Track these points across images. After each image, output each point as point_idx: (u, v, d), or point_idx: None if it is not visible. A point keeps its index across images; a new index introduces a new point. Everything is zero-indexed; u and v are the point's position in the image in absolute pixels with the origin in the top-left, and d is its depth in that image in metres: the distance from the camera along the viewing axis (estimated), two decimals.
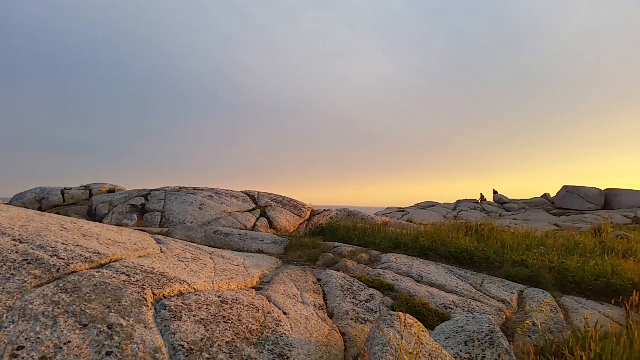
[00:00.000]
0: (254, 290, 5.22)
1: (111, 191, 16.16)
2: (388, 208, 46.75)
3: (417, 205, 48.17)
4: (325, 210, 15.93)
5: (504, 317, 5.88)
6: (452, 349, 4.06)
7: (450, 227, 9.94)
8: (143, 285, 4.29)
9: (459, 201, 47.72)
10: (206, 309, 4.16)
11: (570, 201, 40.72)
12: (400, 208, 46.03)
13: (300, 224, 13.63)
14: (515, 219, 34.91)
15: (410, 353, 3.05)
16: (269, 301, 4.97)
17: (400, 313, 3.60)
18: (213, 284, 4.90)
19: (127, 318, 3.65)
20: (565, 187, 42.62)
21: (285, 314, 4.76)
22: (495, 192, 47.39)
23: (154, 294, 4.22)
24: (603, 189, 41.36)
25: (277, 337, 4.15)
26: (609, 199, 40.23)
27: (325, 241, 9.13)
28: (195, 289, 4.59)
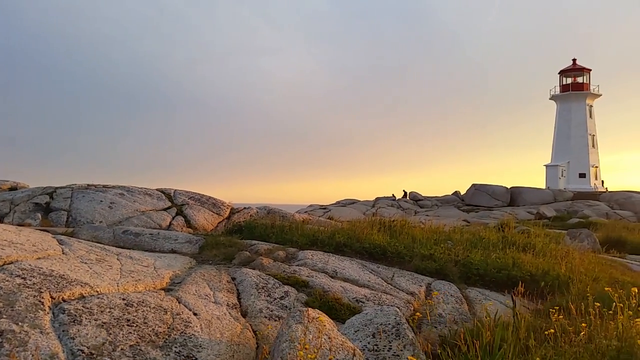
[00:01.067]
0: (163, 291, 5.06)
1: (13, 189, 15.00)
2: (310, 205, 47.17)
3: (338, 202, 49.01)
4: (245, 208, 15.77)
5: (412, 308, 6.15)
6: (361, 341, 4.18)
7: (365, 224, 10.23)
8: (40, 288, 4.04)
9: (377, 198, 49.15)
10: (109, 312, 3.98)
11: (478, 198, 43.31)
12: (322, 205, 46.60)
13: (219, 223, 13.41)
14: (428, 215, 36.56)
15: (318, 348, 3.10)
16: (179, 302, 4.85)
17: (310, 309, 3.65)
18: (118, 286, 4.70)
19: (20, 324, 3.42)
20: (474, 185, 45.23)
21: (195, 314, 4.67)
22: (405, 193, 49.16)
23: (52, 297, 3.98)
24: (509, 187, 44.38)
25: (185, 339, 4.06)
26: (514, 196, 43.24)
27: (242, 239, 9.05)
28: (98, 291, 4.38)
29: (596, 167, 48.68)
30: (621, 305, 3.32)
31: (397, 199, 48.55)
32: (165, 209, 12.99)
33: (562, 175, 47.24)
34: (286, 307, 5.45)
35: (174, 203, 13.73)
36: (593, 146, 48.33)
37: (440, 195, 50.09)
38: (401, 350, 4.00)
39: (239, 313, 5.16)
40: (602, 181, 49.50)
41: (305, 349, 3.20)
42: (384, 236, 9.40)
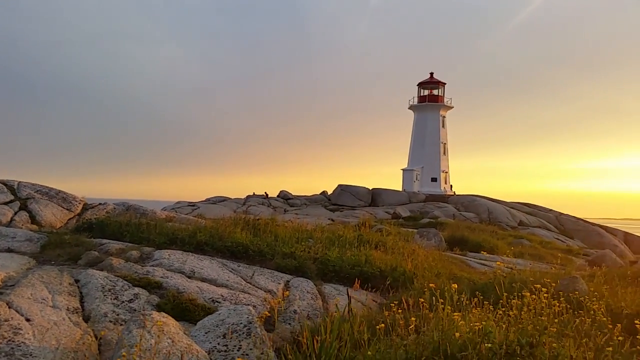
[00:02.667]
0: None
1: None
2: (178, 202, 45.40)
3: (208, 199, 47.84)
4: (100, 204, 14.67)
5: (269, 306, 6.23)
6: (211, 342, 4.13)
7: (229, 222, 10.13)
8: None
9: (248, 196, 48.90)
10: None
11: (343, 198, 45.30)
12: (191, 202, 45.12)
13: (70, 219, 12.32)
14: (297, 214, 37.34)
15: (158, 353, 3.00)
16: (9, 307, 4.37)
17: (154, 312, 3.52)
18: None
19: None
20: (340, 186, 47.20)
21: (28, 320, 4.25)
22: (266, 194, 49.56)
23: None
24: (371, 188, 47.06)
25: (12, 348, 3.68)
26: (375, 197, 45.94)
27: (92, 238, 8.42)
28: None
29: (446, 172, 53.70)
30: (442, 300, 3.72)
31: (268, 197, 48.81)
32: (5, 203, 11.60)
33: (416, 179, 51.36)
34: (135, 310, 5.19)
35: (17, 196, 12.31)
36: (444, 153, 53.25)
37: (309, 194, 51.36)
38: (250, 349, 4.03)
39: (81, 318, 4.80)
40: (451, 185, 54.73)
41: (159, 353, 3.07)
42: (247, 234, 9.40)
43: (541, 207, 43.73)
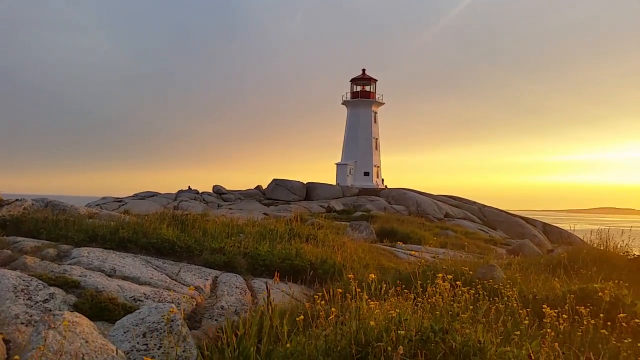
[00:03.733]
0: None
1: None
2: (103, 198, 43.49)
3: (136, 195, 46.14)
4: (17, 200, 13.76)
5: (195, 303, 6.12)
6: (130, 342, 4.00)
7: (154, 217, 9.83)
8: None
9: (180, 191, 47.66)
10: None
11: (278, 192, 45.25)
12: (117, 198, 43.37)
13: None
14: (231, 209, 36.87)
15: (69, 354, 2.86)
16: None
17: (66, 312, 3.35)
18: None
19: None
20: (274, 180, 47.11)
21: None
22: (189, 188, 48.61)
23: None
24: (305, 183, 47.31)
25: None
26: (309, 191, 46.24)
27: (6, 236, 7.88)
28: None
29: (378, 166, 54.97)
30: (359, 290, 3.82)
31: (200, 192, 47.79)
32: None
33: (350, 173, 52.21)
34: (50, 310, 4.91)
35: None
36: (376, 148, 54.47)
37: (244, 189, 50.80)
38: (172, 347, 3.94)
39: None
40: (382, 179, 56.13)
41: (71, 355, 2.93)
42: (174, 230, 9.15)
43: (466, 199, 45.81)
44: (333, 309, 3.48)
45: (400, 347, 2.64)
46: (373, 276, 4.14)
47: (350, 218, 28.93)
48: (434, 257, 10.42)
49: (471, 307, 3.94)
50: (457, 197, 46.51)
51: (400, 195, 43.61)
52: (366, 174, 53.07)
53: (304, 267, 8.38)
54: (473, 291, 4.48)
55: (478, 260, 8.96)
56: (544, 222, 41.94)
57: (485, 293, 4.90)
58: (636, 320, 3.89)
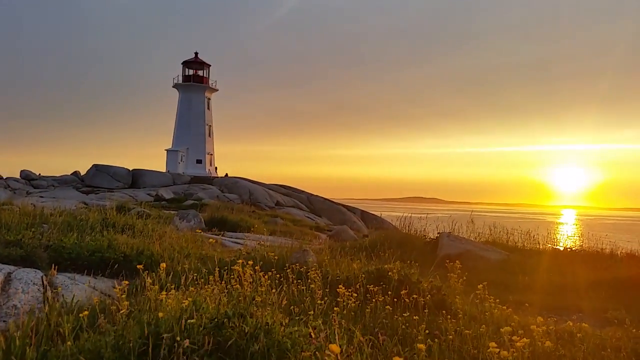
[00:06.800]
0: None
1: None
2: None
3: None
4: None
5: None
6: None
7: None
8: None
9: None
10: None
11: (99, 179, 41.80)
12: None
13: None
14: (43, 197, 33.03)
15: None
16: None
17: None
18: None
19: None
20: (95, 166, 43.43)
21: None
22: None
23: None
24: (131, 169, 44.45)
25: None
26: (136, 178, 43.58)
27: None
28: None
29: (211, 154, 54.11)
30: (170, 282, 3.75)
31: (5, 178, 41.80)
32: None
33: (181, 160, 50.50)
34: None
35: None
36: (209, 135, 53.51)
37: (58, 175, 45.80)
38: None
39: None
40: (216, 167, 55.46)
41: None
42: None
43: (295, 188, 47.74)
44: (125, 302, 3.32)
45: (186, 340, 2.62)
46: (164, 265, 4.07)
47: (180, 207, 28.06)
48: (260, 244, 10.65)
49: (274, 290, 4.11)
50: (287, 186, 48.16)
51: (233, 184, 43.58)
52: (199, 161, 51.92)
53: (117, 260, 7.88)
54: (278, 275, 4.67)
55: (295, 246, 9.40)
56: (363, 210, 45.74)
57: (293, 277, 5.15)
58: (414, 295, 4.46)
